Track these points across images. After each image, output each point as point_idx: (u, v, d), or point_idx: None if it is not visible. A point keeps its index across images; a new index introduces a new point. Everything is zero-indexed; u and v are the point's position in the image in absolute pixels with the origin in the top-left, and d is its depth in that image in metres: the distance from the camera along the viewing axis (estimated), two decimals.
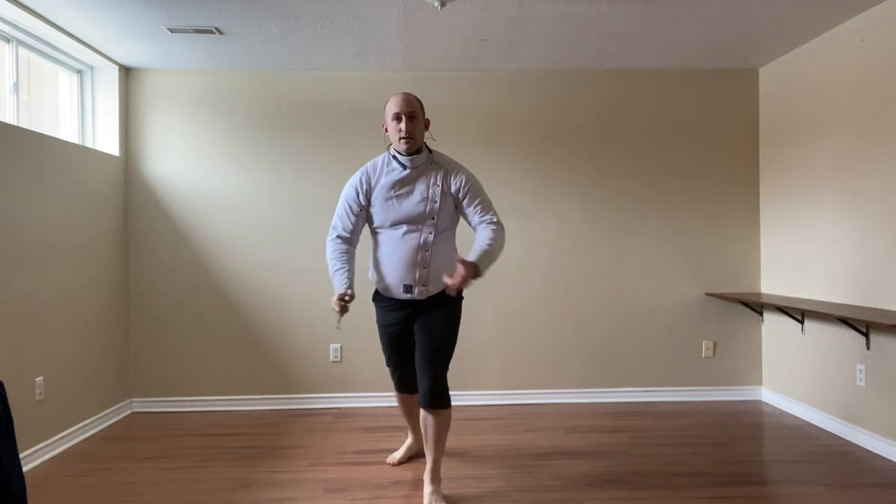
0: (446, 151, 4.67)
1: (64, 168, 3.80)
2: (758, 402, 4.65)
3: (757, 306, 4.69)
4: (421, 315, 2.91)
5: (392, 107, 2.80)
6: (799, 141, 4.27)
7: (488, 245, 2.72)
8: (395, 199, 2.82)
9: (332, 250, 2.92)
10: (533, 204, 4.72)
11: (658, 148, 4.75)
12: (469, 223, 2.91)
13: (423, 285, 2.84)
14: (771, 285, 4.62)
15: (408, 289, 2.84)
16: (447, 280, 2.64)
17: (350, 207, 2.91)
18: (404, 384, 3.17)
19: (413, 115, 2.77)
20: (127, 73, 4.57)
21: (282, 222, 4.65)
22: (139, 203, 4.58)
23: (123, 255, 4.52)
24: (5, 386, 2.35)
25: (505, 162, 4.71)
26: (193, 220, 4.60)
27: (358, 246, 3.00)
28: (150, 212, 4.58)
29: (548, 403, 4.65)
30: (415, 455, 3.46)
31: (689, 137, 4.76)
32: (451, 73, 4.70)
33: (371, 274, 2.98)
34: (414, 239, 2.81)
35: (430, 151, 2.90)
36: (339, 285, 2.82)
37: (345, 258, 2.89)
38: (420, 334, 2.90)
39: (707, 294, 4.71)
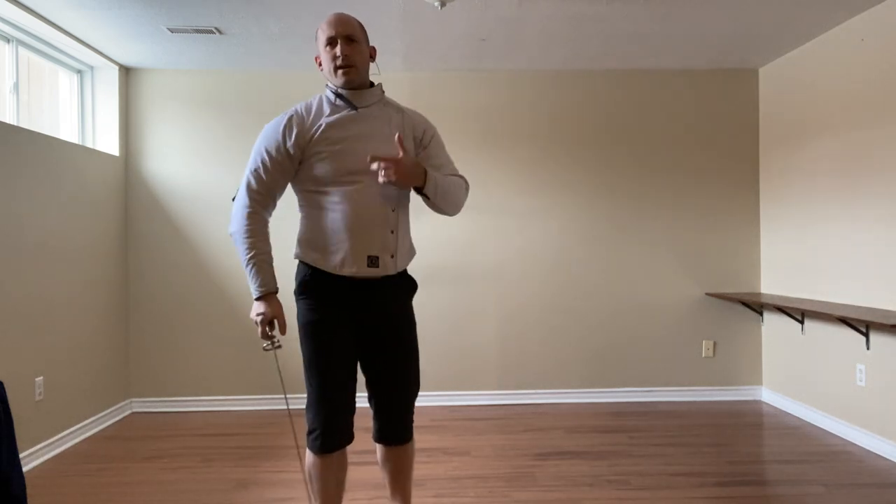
0: (447, 151, 4.69)
1: (64, 168, 3.80)
2: (758, 402, 4.65)
3: (757, 306, 4.69)
4: (381, 315, 2.16)
5: (324, 27, 2.08)
6: (799, 141, 4.27)
7: (446, 178, 2.14)
8: (348, 142, 2.07)
9: (244, 224, 2.07)
10: (532, 204, 4.72)
11: (658, 148, 4.75)
12: None
13: (392, 256, 2.11)
14: (771, 285, 4.62)
15: (372, 261, 2.07)
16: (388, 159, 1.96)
17: (272, 159, 2.08)
18: (340, 430, 2.12)
19: (351, 37, 2.07)
20: (127, 73, 4.57)
21: (280, 222, 4.65)
22: (139, 203, 4.58)
23: (123, 254, 4.52)
24: (5, 386, 2.35)
25: (505, 162, 4.71)
26: (193, 220, 4.60)
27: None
28: (150, 212, 4.58)
29: (548, 403, 4.65)
30: None
31: (689, 137, 4.76)
32: (451, 73, 4.70)
33: (300, 253, 2.14)
34: (378, 194, 2.08)
35: (383, 92, 2.21)
36: (259, 284, 2.05)
37: (263, 237, 2.10)
38: (390, 347, 2.18)
39: (707, 294, 4.71)
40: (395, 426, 2.23)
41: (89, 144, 4.42)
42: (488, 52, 4.30)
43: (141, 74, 4.59)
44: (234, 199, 2.12)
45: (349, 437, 2.15)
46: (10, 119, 3.63)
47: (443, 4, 3.04)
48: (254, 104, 4.64)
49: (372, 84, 2.18)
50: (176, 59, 4.40)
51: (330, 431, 2.09)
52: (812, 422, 4.10)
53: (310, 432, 2.11)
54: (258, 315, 2.05)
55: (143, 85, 4.59)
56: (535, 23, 3.75)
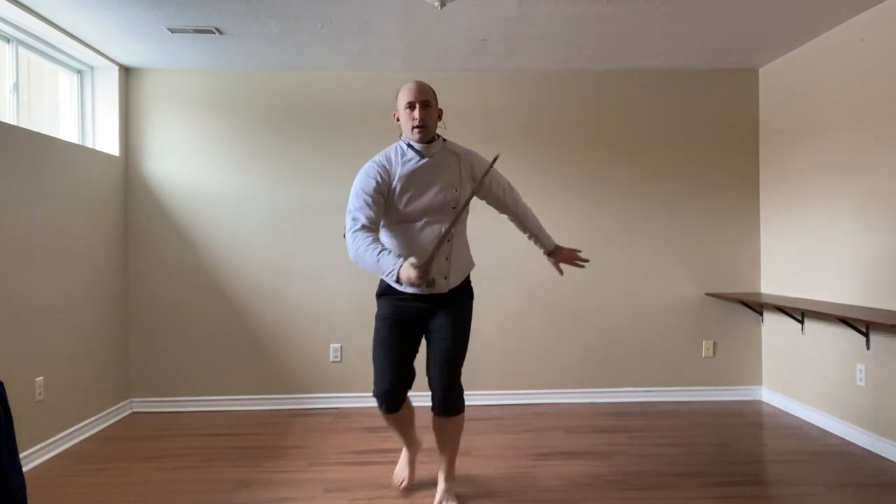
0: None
1: (64, 168, 3.80)
2: (758, 402, 4.65)
3: (757, 306, 4.69)
4: (438, 313, 2.74)
5: (405, 95, 2.65)
6: (799, 141, 4.27)
7: (539, 223, 3.02)
8: (414, 192, 2.64)
9: (361, 241, 2.50)
10: (532, 204, 4.66)
11: (658, 148, 4.75)
12: (496, 205, 2.93)
13: (445, 277, 2.68)
14: (771, 285, 4.62)
15: (430, 283, 2.54)
16: (560, 266, 3.03)
17: (372, 198, 2.59)
18: (396, 395, 2.76)
19: (427, 103, 2.64)
20: (127, 73, 4.57)
21: (282, 222, 4.65)
22: (139, 203, 4.58)
23: (123, 255, 4.52)
24: (5, 386, 2.35)
25: (504, 162, 4.68)
26: (193, 220, 4.60)
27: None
28: (150, 212, 4.58)
29: (548, 403, 4.65)
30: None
31: (689, 137, 4.76)
32: (451, 73, 4.70)
33: None
34: (435, 230, 2.65)
35: (444, 140, 2.77)
36: (394, 262, 2.41)
37: (378, 244, 2.52)
38: (439, 333, 2.74)
39: (707, 294, 4.71)
40: (442, 402, 2.79)
41: (89, 144, 4.42)
42: (488, 52, 4.30)
43: (141, 74, 4.59)
44: (345, 236, 2.59)
45: (399, 404, 2.78)
46: (10, 119, 3.63)
47: (443, 4, 3.04)
48: (254, 104, 4.64)
49: (436, 137, 2.72)
50: (176, 59, 4.40)
51: (381, 400, 2.76)
52: (812, 422, 4.10)
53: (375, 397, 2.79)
54: (412, 273, 2.35)
55: (143, 85, 4.59)
56: (535, 23, 3.75)
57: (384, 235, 2.72)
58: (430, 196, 2.65)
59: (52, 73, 4.21)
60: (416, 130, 2.62)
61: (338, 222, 4.43)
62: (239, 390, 4.61)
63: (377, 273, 2.48)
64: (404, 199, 2.63)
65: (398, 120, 2.71)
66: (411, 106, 2.62)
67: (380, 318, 2.75)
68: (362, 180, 2.64)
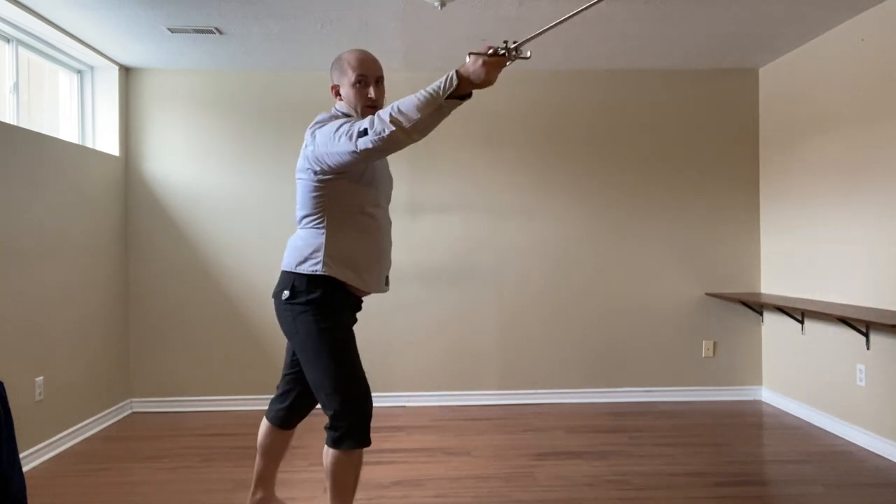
0: (446, 150, 4.70)
1: (64, 168, 3.80)
2: (758, 402, 4.65)
3: (757, 306, 4.70)
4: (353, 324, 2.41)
5: (355, 66, 2.21)
6: (799, 141, 4.27)
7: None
8: (377, 173, 2.25)
9: (383, 110, 1.95)
10: (532, 204, 4.71)
11: (658, 148, 4.75)
12: None
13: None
14: (771, 285, 4.62)
15: (387, 281, 2.36)
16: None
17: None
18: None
19: (380, 79, 2.26)
20: (127, 73, 4.57)
21: (281, 222, 4.65)
22: (139, 203, 4.58)
23: (123, 255, 4.52)
24: (5, 386, 2.35)
25: (505, 162, 4.71)
26: (193, 220, 4.60)
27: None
28: (150, 212, 4.58)
29: (548, 403, 4.65)
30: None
31: (690, 137, 4.76)
32: None
33: (329, 269, 2.16)
34: (389, 220, 2.35)
35: None
36: (447, 74, 1.88)
37: None
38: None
39: (707, 294, 4.71)
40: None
41: (89, 144, 4.42)
42: None
43: (141, 74, 4.59)
44: (363, 135, 1.95)
45: None
46: (10, 119, 3.63)
47: (443, 4, 3.04)
48: (254, 104, 4.64)
49: None
50: (176, 59, 4.40)
51: (368, 427, 2.22)
52: (812, 422, 4.10)
53: (352, 428, 2.18)
54: (490, 58, 1.85)
55: (143, 85, 4.59)
56: (535, 23, 3.75)
57: (352, 228, 2.20)
58: (388, 181, 2.35)
59: (52, 73, 4.21)
60: (369, 111, 2.19)
61: None
62: (239, 390, 4.61)
63: (428, 105, 1.86)
64: (370, 180, 2.21)
65: (338, 95, 2.27)
66: (363, 81, 2.21)
67: (331, 331, 2.18)
68: (332, 118, 2.16)
